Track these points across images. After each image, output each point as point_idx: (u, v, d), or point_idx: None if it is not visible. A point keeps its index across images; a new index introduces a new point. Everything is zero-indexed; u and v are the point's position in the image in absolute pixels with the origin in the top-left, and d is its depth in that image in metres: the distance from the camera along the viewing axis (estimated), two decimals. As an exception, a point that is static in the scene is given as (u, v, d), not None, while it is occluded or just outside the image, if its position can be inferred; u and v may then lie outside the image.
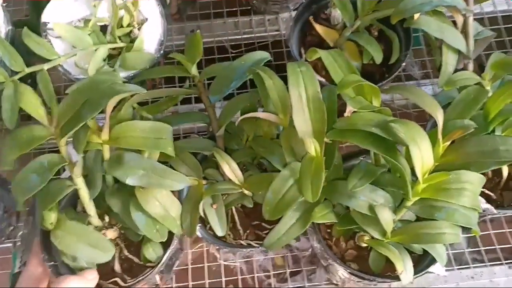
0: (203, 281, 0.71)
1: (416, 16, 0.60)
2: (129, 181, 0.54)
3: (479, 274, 0.69)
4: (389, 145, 0.50)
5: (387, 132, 0.49)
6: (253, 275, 0.72)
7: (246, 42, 0.89)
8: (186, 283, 0.71)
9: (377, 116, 0.51)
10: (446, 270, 0.68)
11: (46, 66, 0.67)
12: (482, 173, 0.63)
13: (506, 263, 0.70)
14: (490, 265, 0.70)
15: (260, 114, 0.54)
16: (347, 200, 0.52)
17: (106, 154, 0.57)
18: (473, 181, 0.50)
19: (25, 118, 0.65)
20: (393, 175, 0.54)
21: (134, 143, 0.55)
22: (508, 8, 0.88)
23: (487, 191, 0.62)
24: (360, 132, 0.50)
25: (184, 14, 0.92)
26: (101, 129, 0.57)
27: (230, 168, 0.56)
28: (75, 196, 0.61)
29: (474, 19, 0.62)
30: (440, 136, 0.50)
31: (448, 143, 0.52)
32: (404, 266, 0.54)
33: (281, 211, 0.50)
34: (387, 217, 0.52)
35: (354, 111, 0.51)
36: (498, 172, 0.63)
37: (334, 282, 0.69)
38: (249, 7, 0.90)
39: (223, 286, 0.71)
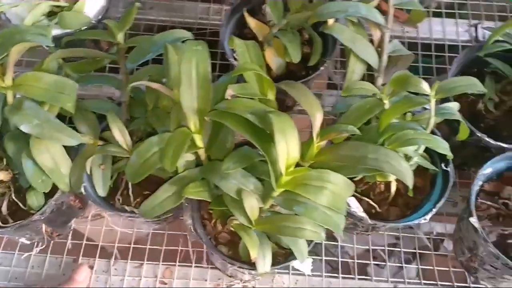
0: (97, 243, 0.73)
1: (330, 22, 0.62)
2: (23, 128, 0.56)
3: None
4: (264, 135, 0.51)
5: (263, 121, 0.51)
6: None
7: (199, 27, 0.91)
8: (81, 241, 0.73)
9: (258, 104, 0.52)
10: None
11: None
12: (371, 184, 0.65)
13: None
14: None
15: (153, 84, 0.56)
16: (219, 181, 0.54)
17: (9, 99, 0.59)
18: (336, 182, 0.51)
19: None
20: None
21: (35, 92, 0.57)
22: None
23: (372, 203, 0.63)
24: (237, 117, 0.51)
25: (146, -10, 0.94)
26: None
27: (120, 132, 0.58)
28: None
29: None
30: (314, 135, 0.52)
31: (323, 143, 0.53)
32: (263, 256, 0.55)
33: (142, 175, 0.52)
34: (252, 204, 0.54)
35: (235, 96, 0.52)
36: (390, 188, 0.64)
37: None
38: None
39: (115, 250, 0.72)
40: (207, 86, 0.53)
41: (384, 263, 0.73)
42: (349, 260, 0.72)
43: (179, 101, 0.55)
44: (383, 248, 0.72)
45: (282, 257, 0.60)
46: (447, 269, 0.70)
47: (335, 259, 0.71)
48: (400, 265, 0.72)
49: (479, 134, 0.65)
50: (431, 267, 0.71)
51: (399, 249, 0.72)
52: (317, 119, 0.52)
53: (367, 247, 0.72)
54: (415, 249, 0.73)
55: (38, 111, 0.57)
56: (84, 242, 0.73)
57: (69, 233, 0.73)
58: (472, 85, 0.57)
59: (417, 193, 0.64)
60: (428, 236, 0.75)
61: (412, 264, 0.74)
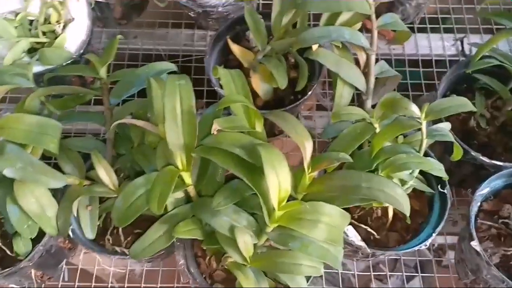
0: (90, 284, 0.71)
1: (314, 47, 0.61)
2: (6, 172, 0.54)
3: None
4: (254, 169, 0.50)
5: (251, 155, 0.49)
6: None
7: (184, 53, 0.90)
8: (73, 283, 0.71)
9: (245, 137, 0.51)
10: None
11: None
12: (368, 210, 0.64)
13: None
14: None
15: (137, 121, 0.54)
16: (210, 218, 0.52)
17: (-10, 143, 0.57)
18: (331, 214, 0.49)
19: None
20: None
21: (17, 135, 0.55)
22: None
23: (370, 229, 0.62)
24: (225, 152, 0.50)
25: (129, 20, 0.93)
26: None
27: (106, 172, 0.56)
28: None
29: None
30: (306, 166, 0.50)
31: (315, 173, 0.52)
32: (259, 293, 0.53)
33: (129, 219, 0.50)
34: (246, 241, 0.52)
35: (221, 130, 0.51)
36: (387, 212, 0.62)
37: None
38: (193, 22, 0.92)
39: (108, 290, 0.70)
40: (192, 121, 0.51)
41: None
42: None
43: (164, 137, 0.54)
44: (384, 273, 0.71)
45: (280, 292, 0.58)
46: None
47: (335, 288, 0.70)
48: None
49: (473, 153, 0.64)
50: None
51: (400, 273, 0.71)
52: (307, 149, 0.50)
53: (368, 273, 0.71)
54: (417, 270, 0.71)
55: (21, 154, 0.56)
56: (76, 283, 0.71)
57: (61, 275, 0.71)
58: (462, 105, 0.56)
59: (415, 216, 0.63)
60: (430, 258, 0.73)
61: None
